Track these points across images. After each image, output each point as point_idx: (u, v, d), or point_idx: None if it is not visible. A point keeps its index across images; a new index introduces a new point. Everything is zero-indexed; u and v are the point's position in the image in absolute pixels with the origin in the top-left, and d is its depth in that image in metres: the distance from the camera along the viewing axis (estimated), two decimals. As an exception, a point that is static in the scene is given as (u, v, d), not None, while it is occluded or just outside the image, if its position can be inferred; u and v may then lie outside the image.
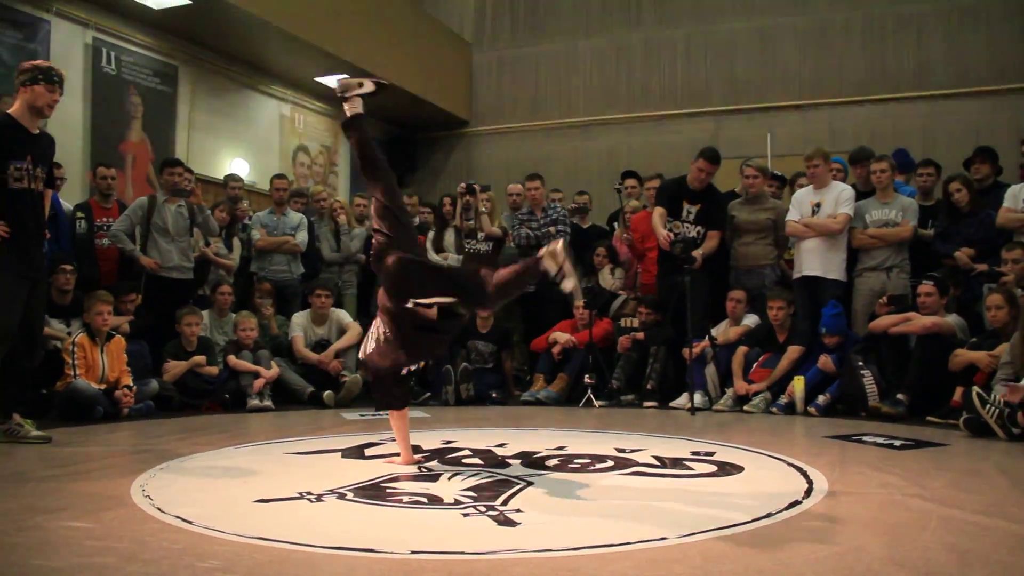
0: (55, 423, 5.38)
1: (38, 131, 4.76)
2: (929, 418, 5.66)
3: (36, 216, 4.73)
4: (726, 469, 3.83)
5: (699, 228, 7.12)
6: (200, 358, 6.71)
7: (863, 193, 7.10)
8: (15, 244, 4.56)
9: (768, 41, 11.75)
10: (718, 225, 7.16)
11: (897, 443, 4.61)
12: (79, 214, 7.26)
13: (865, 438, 4.83)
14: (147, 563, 2.30)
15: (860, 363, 6.11)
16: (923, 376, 5.89)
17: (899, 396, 5.86)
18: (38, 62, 4.79)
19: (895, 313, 6.26)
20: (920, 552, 2.42)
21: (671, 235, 6.99)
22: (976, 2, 10.73)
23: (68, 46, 8.57)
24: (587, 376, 6.92)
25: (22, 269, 4.59)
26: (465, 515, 2.87)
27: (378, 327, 3.68)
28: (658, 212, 7.23)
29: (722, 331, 6.97)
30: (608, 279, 7.94)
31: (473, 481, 3.47)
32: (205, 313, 7.18)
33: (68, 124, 8.40)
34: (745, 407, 6.43)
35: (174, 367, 6.64)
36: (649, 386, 6.93)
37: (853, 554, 2.39)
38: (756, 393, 6.46)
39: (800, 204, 6.95)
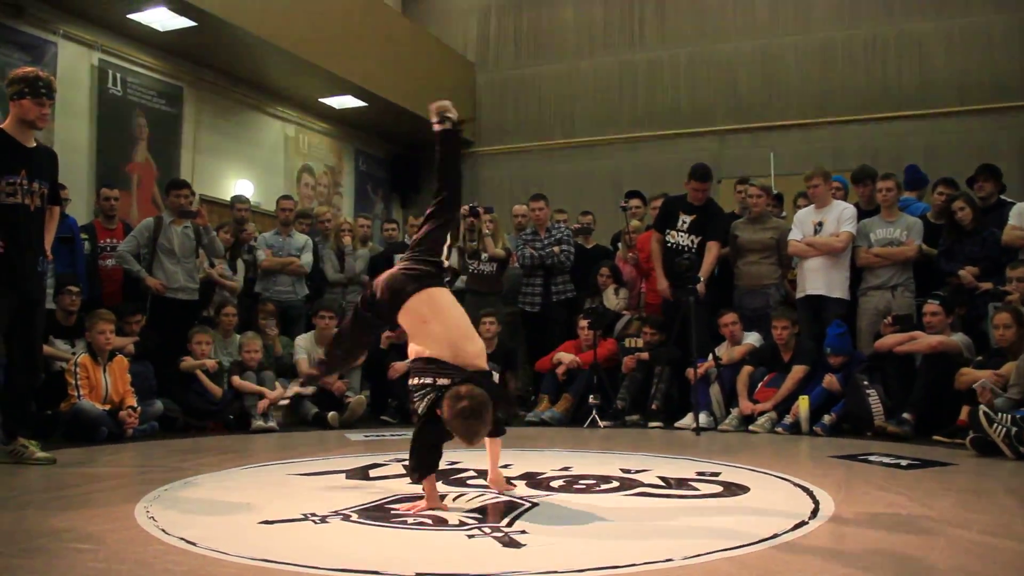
0: (60, 444, 5.37)
1: (34, 144, 4.65)
2: (935, 437, 5.64)
3: (31, 232, 4.61)
4: (732, 489, 3.81)
5: (693, 237, 7.14)
6: (211, 362, 6.74)
7: (865, 212, 7.11)
8: (3, 260, 4.46)
9: (770, 60, 11.80)
10: (715, 235, 7.14)
11: (903, 463, 4.59)
12: (83, 235, 7.27)
13: (871, 458, 4.81)
14: (151, 585, 2.30)
15: (865, 382, 6.09)
16: (929, 395, 5.88)
17: (905, 415, 5.84)
18: (25, 72, 4.59)
19: (900, 332, 6.25)
20: (927, 573, 2.40)
21: (669, 290, 7.14)
22: (978, 20, 10.78)
23: (75, 68, 8.63)
24: (592, 396, 6.91)
25: (11, 285, 4.50)
26: (470, 536, 2.86)
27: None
28: (655, 241, 7.31)
29: (725, 351, 6.96)
30: (612, 299, 7.94)
31: (478, 502, 3.45)
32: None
33: (74, 145, 8.45)
34: (750, 427, 6.41)
35: (188, 361, 6.73)
36: (654, 406, 6.92)
37: (860, 575, 2.38)
38: (761, 413, 6.44)
39: (802, 223, 6.96)
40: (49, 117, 4.70)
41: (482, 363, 3.33)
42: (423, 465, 3.36)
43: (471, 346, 3.34)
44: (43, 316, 4.96)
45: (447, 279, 3.55)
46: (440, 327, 3.34)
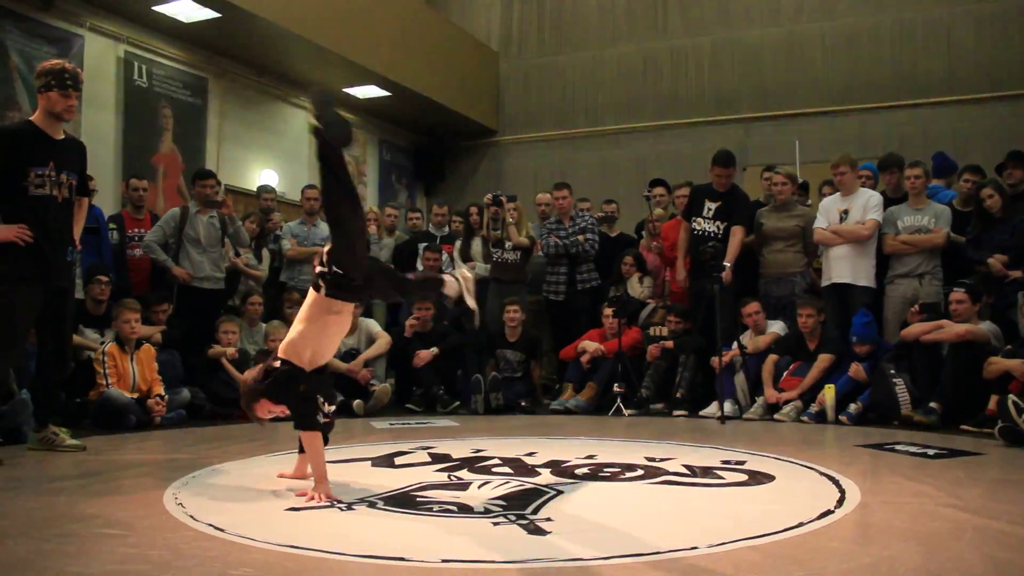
0: (89, 431, 5.44)
1: (62, 136, 4.69)
2: (963, 427, 5.58)
3: (59, 223, 4.65)
4: (757, 478, 3.81)
5: (719, 224, 7.14)
6: (231, 349, 6.83)
7: (892, 199, 7.05)
8: (33, 250, 4.48)
9: (796, 47, 11.71)
10: (739, 220, 7.13)
11: (930, 452, 4.56)
12: (111, 225, 7.35)
13: (898, 447, 4.78)
14: (180, 570, 2.33)
15: (892, 371, 6.05)
16: (956, 384, 5.82)
17: (932, 404, 5.79)
18: (52, 64, 4.61)
19: (927, 321, 6.19)
20: (955, 563, 2.39)
21: (686, 281, 7.28)
22: (1007, 4, 10.63)
23: (101, 60, 8.70)
24: (616, 385, 6.90)
25: (39, 276, 4.53)
26: (495, 524, 2.87)
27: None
28: (683, 229, 7.37)
29: (750, 339, 6.93)
30: (636, 287, 7.92)
31: (503, 490, 3.47)
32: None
33: (101, 136, 8.53)
34: (775, 416, 6.38)
35: (215, 349, 6.84)
36: (679, 395, 6.91)
37: (886, 564, 2.37)
38: (786, 402, 6.41)
39: (828, 211, 6.91)
40: (76, 109, 4.72)
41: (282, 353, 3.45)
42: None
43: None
44: (72, 306, 5.01)
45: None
46: None
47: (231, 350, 6.84)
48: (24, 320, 4.54)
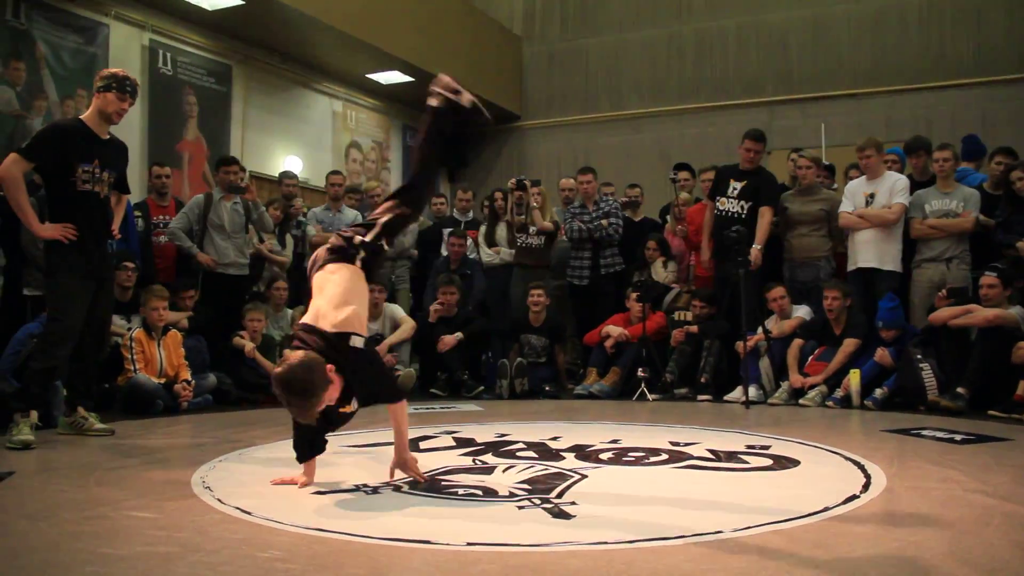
0: (117, 416, 5.50)
1: (108, 136, 4.88)
2: (991, 412, 5.53)
3: (99, 218, 4.82)
4: (782, 463, 3.79)
5: (743, 203, 7.09)
6: (249, 346, 6.85)
7: (919, 183, 6.97)
8: (79, 246, 4.66)
9: (821, 29, 11.58)
10: (766, 200, 7.07)
11: (958, 437, 4.53)
12: (137, 212, 7.39)
13: (924, 432, 4.74)
14: (209, 552, 2.35)
15: (919, 356, 6.00)
16: (984, 369, 5.77)
17: (959, 390, 5.74)
18: (116, 71, 4.89)
19: (955, 305, 6.13)
20: (983, 548, 2.37)
21: (710, 262, 7.31)
22: (1038, -16, 10.45)
23: (126, 48, 8.75)
24: (640, 370, 6.89)
25: (87, 270, 4.70)
26: (520, 507, 2.88)
27: None
28: (708, 210, 7.35)
29: (775, 324, 6.90)
30: (661, 272, 7.90)
31: (527, 474, 3.48)
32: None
33: (126, 124, 8.46)
34: (800, 400, 6.35)
35: (238, 340, 6.87)
36: (703, 379, 6.89)
37: (913, 549, 2.35)
38: (812, 386, 6.38)
39: (853, 195, 6.86)
40: (124, 115, 4.90)
41: (351, 328, 3.14)
42: (299, 453, 3.39)
43: (339, 312, 3.16)
44: (111, 292, 5.17)
45: (361, 256, 3.41)
46: (320, 299, 3.28)
47: (249, 345, 6.85)
48: (80, 310, 4.68)
